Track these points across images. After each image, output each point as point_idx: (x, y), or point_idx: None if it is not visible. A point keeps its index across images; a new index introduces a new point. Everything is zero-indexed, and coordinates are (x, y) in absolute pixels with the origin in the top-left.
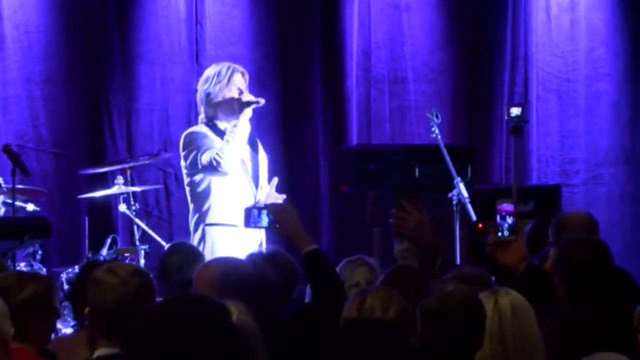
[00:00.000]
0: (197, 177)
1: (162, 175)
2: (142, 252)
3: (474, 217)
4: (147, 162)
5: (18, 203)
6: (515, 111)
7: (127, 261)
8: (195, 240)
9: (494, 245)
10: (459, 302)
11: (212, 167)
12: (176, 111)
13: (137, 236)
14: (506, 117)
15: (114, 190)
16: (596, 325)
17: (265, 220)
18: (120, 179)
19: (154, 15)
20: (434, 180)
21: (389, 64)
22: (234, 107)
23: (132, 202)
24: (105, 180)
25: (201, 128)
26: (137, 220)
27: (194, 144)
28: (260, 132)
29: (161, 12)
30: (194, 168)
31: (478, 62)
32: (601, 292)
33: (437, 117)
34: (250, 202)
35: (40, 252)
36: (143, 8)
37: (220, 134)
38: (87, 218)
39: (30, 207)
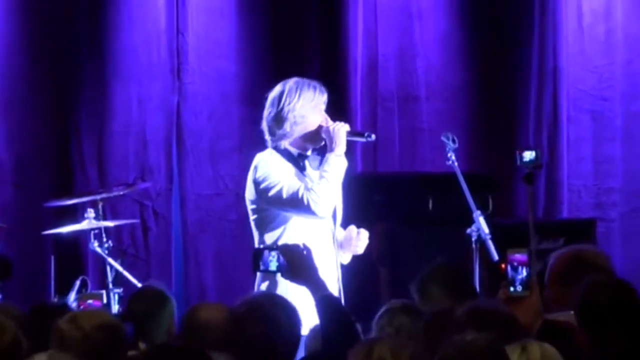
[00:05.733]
0: (271, 214)
1: (138, 208)
2: (116, 297)
3: (495, 256)
4: (121, 192)
5: None
6: (528, 155)
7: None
8: (263, 285)
9: (506, 302)
10: (481, 353)
11: (304, 208)
12: (155, 134)
13: (109, 278)
14: (518, 162)
15: (83, 225)
16: None
17: (274, 264)
18: (90, 213)
19: (130, 24)
20: (450, 213)
21: (399, 80)
22: (321, 135)
23: (105, 239)
24: (74, 214)
25: (272, 154)
26: (110, 260)
27: (274, 176)
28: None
29: (138, 21)
30: (272, 204)
31: (500, 78)
32: (628, 339)
33: (453, 140)
34: (329, 242)
35: None
36: (117, 17)
37: (294, 161)
38: (52, 257)
39: None
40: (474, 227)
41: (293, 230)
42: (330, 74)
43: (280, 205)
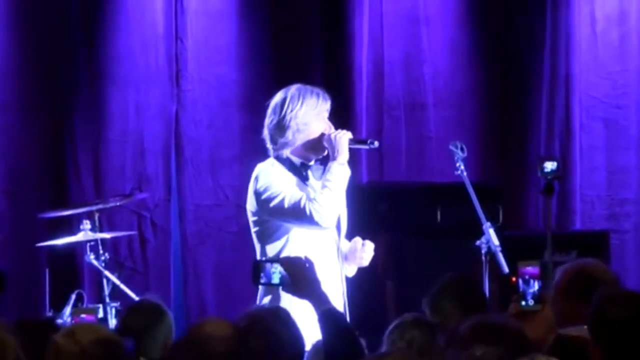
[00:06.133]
0: (273, 226)
1: (136, 220)
2: (113, 311)
3: (506, 269)
4: (118, 203)
5: None
6: (549, 166)
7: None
8: (266, 299)
9: (517, 316)
10: None
11: (307, 219)
12: (153, 142)
13: (106, 291)
14: (538, 173)
15: (79, 237)
16: None
17: (277, 276)
18: (86, 224)
19: (127, 30)
20: (459, 224)
21: (405, 87)
22: (322, 144)
23: (101, 252)
24: (69, 225)
25: (274, 165)
26: (107, 273)
27: (276, 186)
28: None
29: (135, 27)
30: (274, 215)
31: (510, 85)
32: None
33: (462, 149)
34: (334, 254)
35: None
36: (114, 22)
37: (297, 171)
38: (47, 270)
39: None
40: (483, 239)
41: (296, 242)
42: (334, 81)
43: (282, 217)
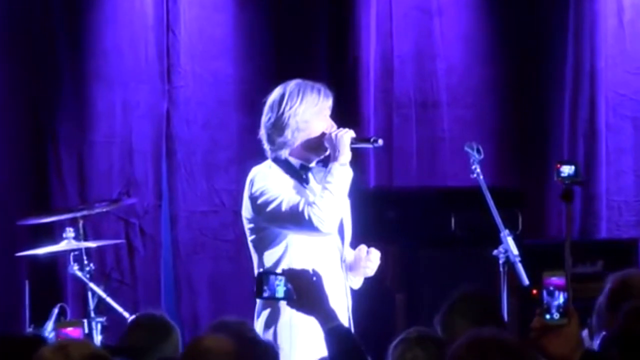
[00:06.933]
0: (271, 233)
1: (123, 227)
2: (99, 326)
3: (525, 281)
4: (104, 209)
5: None
6: (566, 170)
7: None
8: (263, 316)
9: (540, 331)
10: None
11: (306, 224)
12: (142, 144)
13: (91, 305)
14: (555, 177)
15: (62, 246)
16: None
17: (281, 290)
18: (70, 232)
19: (113, 21)
20: (475, 232)
21: (417, 84)
22: (324, 143)
23: (86, 262)
24: (51, 233)
25: (271, 167)
26: (92, 285)
27: (272, 190)
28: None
29: (122, 17)
30: (271, 221)
31: (530, 81)
32: None
33: (478, 151)
34: (337, 263)
35: None
36: (99, 12)
37: (296, 173)
38: (27, 282)
39: None
40: (501, 248)
41: (296, 251)
42: (340, 77)
43: (279, 222)
